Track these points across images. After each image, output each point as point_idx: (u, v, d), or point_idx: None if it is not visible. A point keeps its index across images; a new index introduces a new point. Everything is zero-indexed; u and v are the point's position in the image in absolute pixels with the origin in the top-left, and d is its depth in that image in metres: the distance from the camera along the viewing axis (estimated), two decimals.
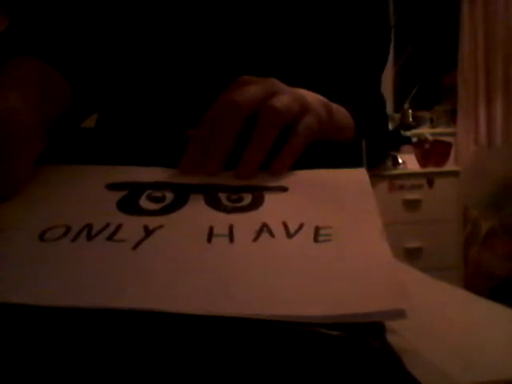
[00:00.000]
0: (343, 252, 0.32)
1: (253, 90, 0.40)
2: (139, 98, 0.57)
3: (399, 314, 0.26)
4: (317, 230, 0.34)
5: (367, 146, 0.44)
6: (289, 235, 0.33)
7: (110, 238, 0.32)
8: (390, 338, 0.27)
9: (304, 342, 0.25)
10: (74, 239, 0.32)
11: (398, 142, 2.83)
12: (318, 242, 0.32)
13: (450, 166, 2.82)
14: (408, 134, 2.86)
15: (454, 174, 2.68)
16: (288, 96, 0.41)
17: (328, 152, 0.43)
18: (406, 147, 2.82)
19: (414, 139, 2.86)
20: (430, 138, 2.85)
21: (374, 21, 0.60)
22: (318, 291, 0.28)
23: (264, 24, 0.54)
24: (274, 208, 0.36)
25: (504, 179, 2.22)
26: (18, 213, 0.35)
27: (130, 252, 0.31)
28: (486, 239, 2.33)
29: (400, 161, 2.78)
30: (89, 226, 0.33)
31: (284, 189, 0.39)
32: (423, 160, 2.80)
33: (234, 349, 0.25)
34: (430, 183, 2.70)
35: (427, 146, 2.81)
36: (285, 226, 0.34)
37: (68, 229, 0.33)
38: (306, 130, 0.41)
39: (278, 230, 0.34)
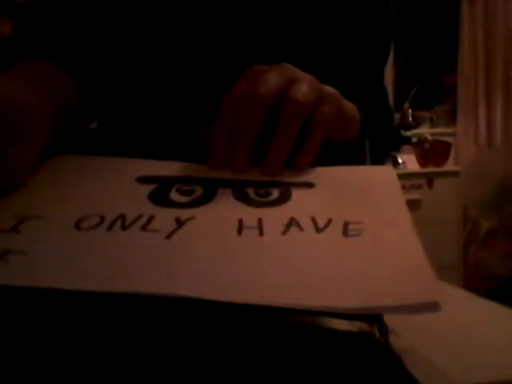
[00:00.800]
0: (374, 246, 0.32)
1: (272, 79, 0.40)
2: (144, 95, 0.56)
3: (433, 307, 0.26)
4: (346, 225, 0.34)
5: (373, 141, 0.44)
6: (318, 230, 0.33)
7: (144, 228, 0.33)
8: (391, 339, 0.26)
9: (312, 337, 0.25)
10: (109, 228, 0.33)
11: (397, 141, 2.82)
12: (348, 236, 0.33)
13: (449, 166, 2.82)
14: (408, 133, 2.86)
15: (454, 174, 2.68)
16: (306, 84, 0.40)
17: (332, 153, 0.43)
18: (405, 147, 2.81)
19: (414, 139, 2.86)
20: (430, 138, 2.85)
21: (375, 13, 0.60)
22: (351, 283, 0.28)
23: (266, 19, 0.54)
24: (301, 203, 0.37)
25: (504, 179, 2.22)
26: (49, 201, 0.36)
27: (163, 241, 0.32)
28: (486, 239, 2.33)
29: (400, 161, 2.77)
30: (122, 217, 0.34)
31: (310, 185, 0.40)
32: (423, 160, 2.80)
33: (241, 342, 0.25)
34: (430, 183, 2.69)
35: (427, 146, 2.81)
36: (313, 220, 0.35)
37: (102, 218, 0.34)
38: (323, 121, 0.41)
39: (307, 225, 0.34)
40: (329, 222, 0.34)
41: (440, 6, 3.00)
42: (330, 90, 0.43)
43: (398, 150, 2.82)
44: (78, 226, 0.33)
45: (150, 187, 0.38)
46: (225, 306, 0.26)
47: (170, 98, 0.55)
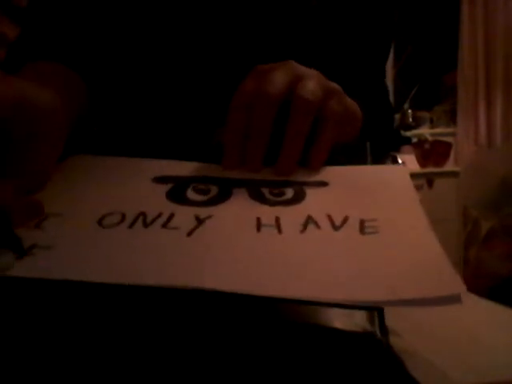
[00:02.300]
0: (392, 242, 0.32)
1: (279, 77, 0.40)
2: (153, 98, 0.56)
3: (455, 299, 0.27)
4: (362, 222, 0.34)
5: (373, 140, 0.45)
6: (334, 227, 0.34)
7: (165, 225, 0.34)
8: (391, 340, 0.26)
9: (314, 338, 0.25)
10: (131, 226, 0.34)
11: (397, 142, 2.82)
12: (365, 234, 0.33)
13: (449, 167, 2.82)
14: (408, 134, 2.86)
15: (454, 174, 2.68)
16: (313, 80, 0.40)
17: (332, 153, 0.43)
18: (405, 147, 2.81)
19: (414, 139, 2.86)
20: (430, 138, 2.85)
21: (377, 8, 0.60)
22: (373, 278, 0.29)
23: (268, 16, 0.54)
24: (316, 202, 0.37)
25: (504, 179, 2.22)
26: (70, 199, 0.37)
27: (185, 238, 0.32)
28: (486, 239, 2.33)
29: (400, 161, 2.77)
30: (143, 214, 0.35)
31: (324, 183, 0.40)
32: (423, 160, 2.80)
33: (242, 341, 0.25)
34: (430, 183, 2.70)
35: (427, 146, 2.81)
36: (329, 218, 0.35)
37: (123, 216, 0.35)
38: (333, 117, 0.41)
39: (324, 223, 0.34)
40: (345, 219, 0.35)
41: (440, 6, 3.00)
42: (335, 85, 0.43)
43: (398, 150, 2.82)
44: (100, 223, 0.34)
45: (167, 186, 0.39)
46: (229, 304, 0.26)
47: (178, 101, 0.55)
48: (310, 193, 0.38)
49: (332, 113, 0.41)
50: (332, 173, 0.41)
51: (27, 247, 0.30)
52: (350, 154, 0.45)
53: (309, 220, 0.35)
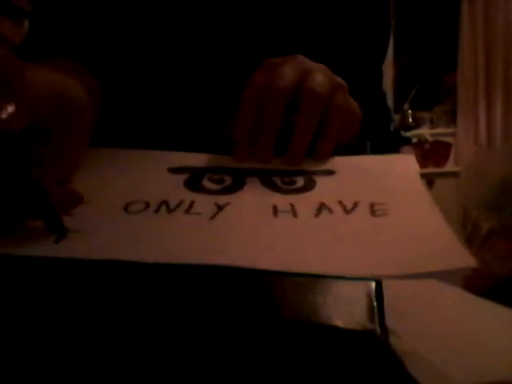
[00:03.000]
0: (402, 223, 0.34)
1: (288, 71, 0.41)
2: (159, 91, 0.56)
3: (466, 271, 0.29)
4: (372, 206, 0.36)
5: (372, 141, 0.46)
6: (346, 212, 0.36)
7: (187, 211, 0.36)
8: (391, 340, 0.26)
9: (313, 336, 0.25)
10: (156, 211, 0.36)
11: (397, 142, 2.82)
12: (376, 216, 0.35)
13: (449, 167, 2.82)
14: (408, 134, 2.86)
15: (454, 174, 2.68)
16: (321, 74, 0.42)
17: (332, 153, 0.44)
18: (405, 148, 2.81)
19: (414, 140, 2.86)
20: (430, 138, 2.85)
21: (375, 11, 0.60)
22: (385, 254, 0.31)
23: (269, 18, 0.54)
24: (327, 189, 0.39)
25: (504, 179, 2.22)
26: (95, 188, 0.39)
27: (208, 222, 0.34)
28: (486, 240, 2.33)
29: None
30: (165, 202, 0.37)
31: (331, 172, 0.42)
32: (423, 161, 2.80)
33: (241, 339, 0.25)
34: (430, 184, 2.69)
35: (427, 146, 2.81)
36: (341, 204, 0.37)
37: (147, 204, 0.36)
38: (339, 109, 0.42)
39: (336, 208, 0.36)
40: (355, 204, 0.37)
41: (440, 6, 3.00)
42: (342, 80, 0.45)
43: (398, 150, 2.82)
44: (126, 209, 0.36)
45: (183, 176, 0.41)
46: (235, 299, 0.27)
47: (189, 95, 0.55)
48: (320, 181, 0.40)
49: (339, 106, 0.42)
50: (337, 162, 0.43)
51: None
52: (351, 154, 0.45)
53: (322, 206, 0.36)
